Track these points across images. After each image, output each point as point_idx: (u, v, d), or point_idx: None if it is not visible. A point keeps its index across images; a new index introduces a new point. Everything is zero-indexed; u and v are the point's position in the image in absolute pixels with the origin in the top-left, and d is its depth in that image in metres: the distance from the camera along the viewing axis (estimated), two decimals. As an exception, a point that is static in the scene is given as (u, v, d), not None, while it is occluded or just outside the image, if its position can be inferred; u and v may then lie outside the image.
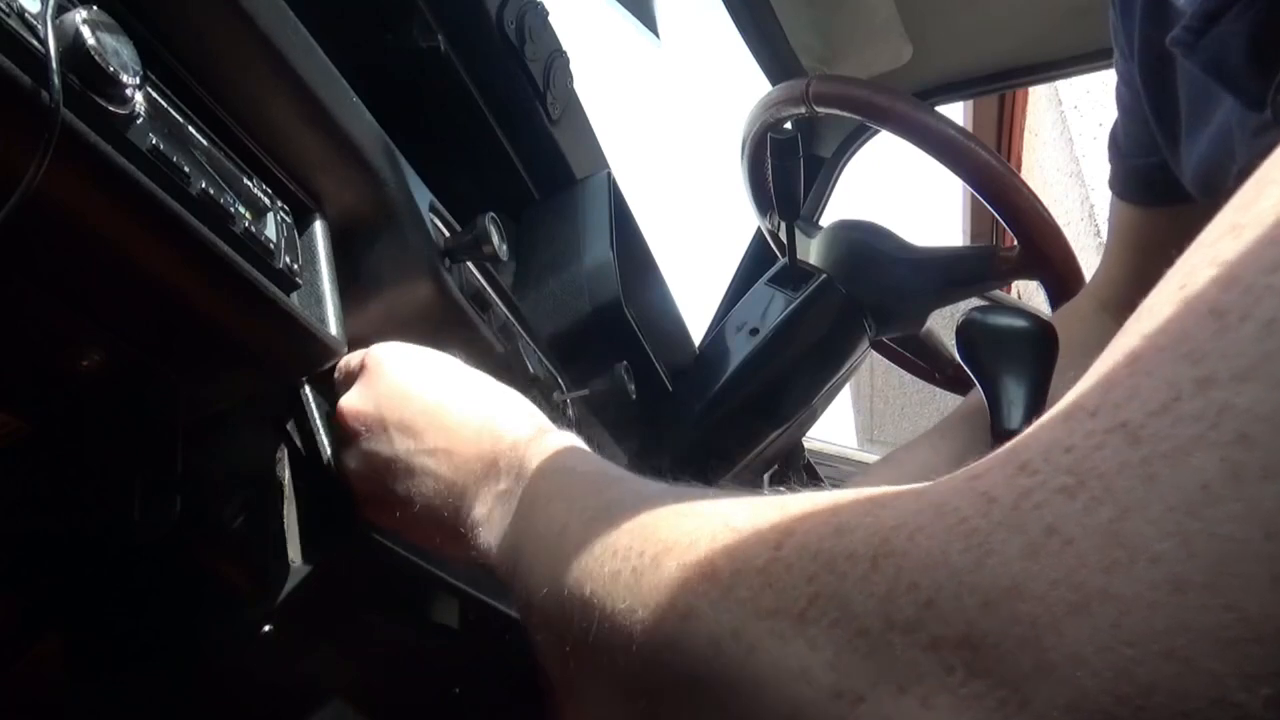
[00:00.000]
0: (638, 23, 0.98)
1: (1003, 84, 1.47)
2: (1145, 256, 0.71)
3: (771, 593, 0.22)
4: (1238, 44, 0.45)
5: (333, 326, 0.51)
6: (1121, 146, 0.67)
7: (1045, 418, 0.21)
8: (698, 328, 1.21)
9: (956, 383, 1.22)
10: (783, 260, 1.07)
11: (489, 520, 0.42)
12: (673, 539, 0.27)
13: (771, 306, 1.03)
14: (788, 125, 1.05)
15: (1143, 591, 0.16)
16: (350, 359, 0.53)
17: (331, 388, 0.54)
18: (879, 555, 0.20)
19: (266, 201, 0.48)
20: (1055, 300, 0.99)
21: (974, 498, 0.20)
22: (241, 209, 0.44)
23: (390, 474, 0.47)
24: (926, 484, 0.22)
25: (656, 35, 0.98)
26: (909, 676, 0.19)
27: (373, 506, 0.50)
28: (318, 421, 0.53)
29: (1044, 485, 0.19)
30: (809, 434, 1.32)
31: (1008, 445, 0.21)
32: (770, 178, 0.94)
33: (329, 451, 0.53)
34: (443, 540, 0.46)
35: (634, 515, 0.30)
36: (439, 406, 0.47)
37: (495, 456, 0.44)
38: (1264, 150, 0.20)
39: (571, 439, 0.44)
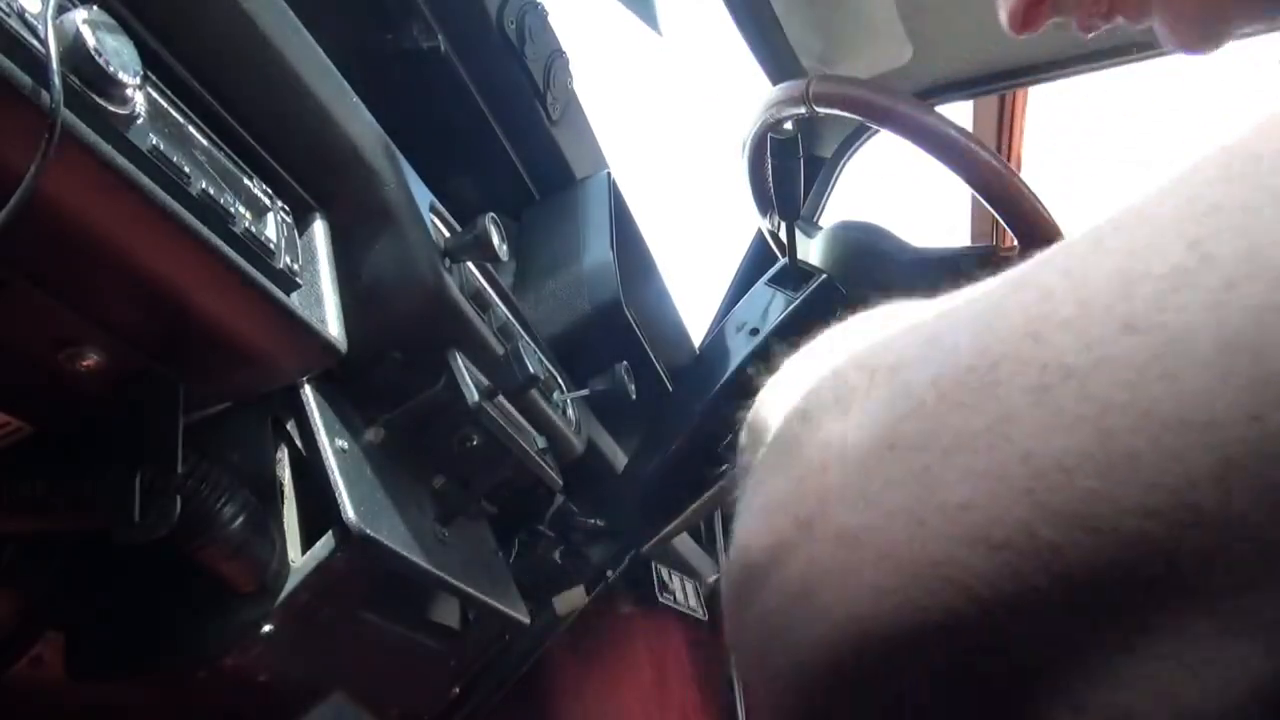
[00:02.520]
0: (638, 17, 0.97)
1: (1003, 84, 1.47)
2: None
3: None
4: None
5: (333, 326, 0.51)
6: None
7: None
8: (698, 328, 1.21)
9: (956, 383, 1.22)
10: (783, 260, 1.07)
11: None
12: None
13: (772, 306, 1.03)
14: (788, 125, 1.05)
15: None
16: None
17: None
18: None
19: (266, 201, 0.48)
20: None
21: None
22: (241, 209, 0.44)
23: None
24: None
25: (658, 29, 0.98)
26: None
27: None
28: (318, 421, 0.53)
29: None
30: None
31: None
32: (770, 178, 0.94)
33: (329, 451, 0.53)
34: None
35: None
36: None
37: None
38: None
39: None
